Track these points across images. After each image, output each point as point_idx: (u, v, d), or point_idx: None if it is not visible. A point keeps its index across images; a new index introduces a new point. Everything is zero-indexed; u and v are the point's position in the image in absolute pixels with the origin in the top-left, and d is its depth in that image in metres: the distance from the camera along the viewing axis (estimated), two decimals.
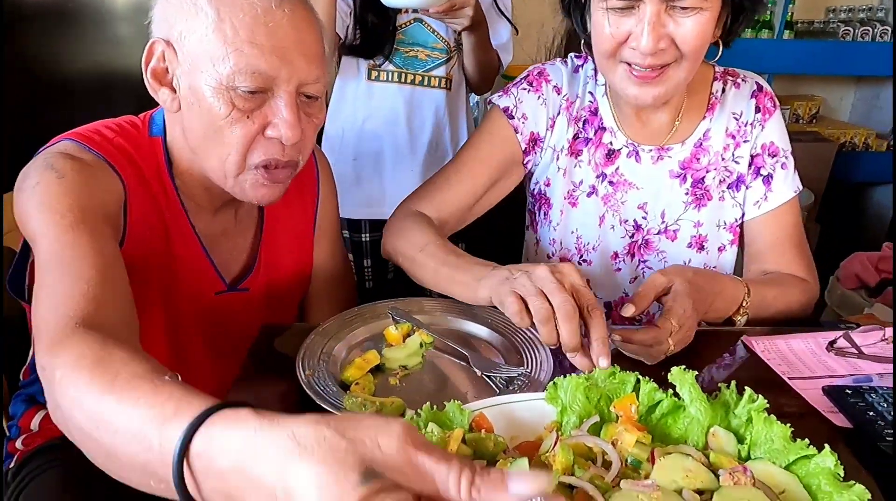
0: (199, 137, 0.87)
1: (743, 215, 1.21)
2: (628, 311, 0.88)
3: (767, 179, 1.17)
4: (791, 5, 3.30)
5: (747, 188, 1.19)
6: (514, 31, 1.76)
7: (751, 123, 1.17)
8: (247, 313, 1.08)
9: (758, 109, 1.17)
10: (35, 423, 1.09)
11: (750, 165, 1.18)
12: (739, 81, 1.19)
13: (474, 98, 2.07)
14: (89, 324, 0.66)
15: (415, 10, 1.61)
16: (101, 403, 0.55)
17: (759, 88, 1.19)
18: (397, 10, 1.60)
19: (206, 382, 1.03)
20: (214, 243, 1.02)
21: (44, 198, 0.80)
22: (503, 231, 1.71)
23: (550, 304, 0.79)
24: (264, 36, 0.82)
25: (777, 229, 1.19)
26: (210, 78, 0.82)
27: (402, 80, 1.67)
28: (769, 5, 3.35)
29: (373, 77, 1.67)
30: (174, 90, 0.88)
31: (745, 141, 1.18)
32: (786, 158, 1.18)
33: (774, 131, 1.18)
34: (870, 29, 3.34)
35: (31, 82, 2.25)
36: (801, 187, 1.20)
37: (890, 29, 3.32)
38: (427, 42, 1.66)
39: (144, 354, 0.62)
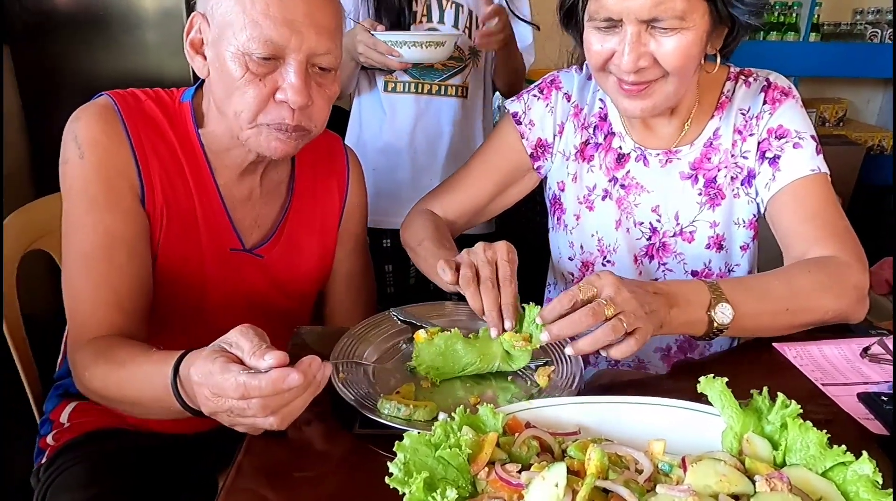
0: (221, 97, 0.97)
1: (758, 208, 1.18)
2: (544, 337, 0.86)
3: (774, 161, 1.12)
4: (817, 7, 3.27)
5: (756, 177, 1.15)
6: (536, 29, 1.75)
7: (757, 116, 1.14)
8: (262, 280, 1.13)
9: (765, 102, 1.15)
10: (65, 416, 1.12)
11: (756, 153, 1.15)
12: (751, 80, 1.17)
13: (496, 102, 2.07)
14: (107, 327, 0.95)
15: (429, 20, 1.63)
16: (120, 377, 0.87)
17: (769, 83, 1.16)
18: (412, 20, 1.62)
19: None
20: (237, 205, 1.09)
21: (72, 182, 0.97)
22: (526, 234, 1.71)
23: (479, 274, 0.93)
24: (277, 8, 0.91)
25: (795, 208, 1.10)
26: (231, 45, 0.92)
27: (419, 90, 1.68)
28: (794, 7, 3.32)
29: (389, 89, 1.68)
30: (205, 58, 0.98)
31: (750, 135, 1.15)
32: (800, 138, 1.12)
33: (783, 116, 1.13)
34: None
35: (60, 88, 2.30)
36: (822, 170, 1.10)
37: None
38: None
39: (133, 341, 0.93)
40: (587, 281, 0.87)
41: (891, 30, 3.29)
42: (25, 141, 2.41)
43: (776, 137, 1.13)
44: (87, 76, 2.32)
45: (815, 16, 3.29)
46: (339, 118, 1.84)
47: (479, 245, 0.95)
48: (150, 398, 0.84)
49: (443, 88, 1.68)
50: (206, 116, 1.05)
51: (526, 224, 1.73)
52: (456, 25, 1.65)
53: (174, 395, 0.79)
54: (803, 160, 1.10)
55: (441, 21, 1.64)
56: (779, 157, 1.12)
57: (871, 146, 3.40)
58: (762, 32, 3.30)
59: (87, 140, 0.96)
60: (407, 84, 1.67)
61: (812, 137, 1.13)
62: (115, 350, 0.90)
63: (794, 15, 3.32)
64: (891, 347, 0.95)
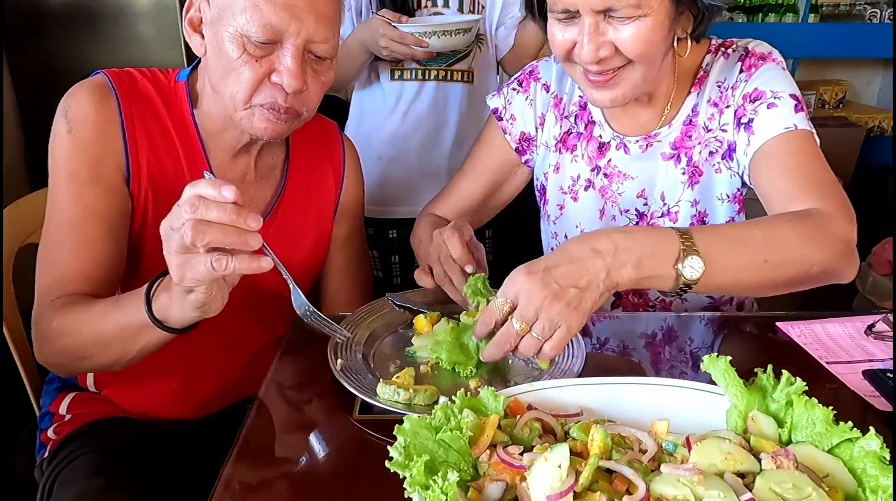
0: (217, 76, 0.98)
1: (741, 179, 1.13)
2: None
3: (748, 125, 1.06)
4: None
5: (737, 148, 1.10)
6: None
7: (733, 86, 1.10)
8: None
9: (741, 70, 1.09)
10: (64, 408, 1.12)
11: (734, 123, 1.10)
12: (730, 51, 1.13)
13: None
14: (74, 292, 0.95)
15: (434, 4, 1.62)
16: (89, 316, 0.90)
17: (747, 52, 1.11)
18: (417, 6, 1.61)
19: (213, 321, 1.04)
20: None
21: (57, 155, 0.98)
22: (526, 222, 1.70)
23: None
24: None
25: (770, 166, 1.03)
26: (230, 27, 0.93)
27: (426, 76, 1.67)
28: None
29: (396, 77, 1.67)
30: (203, 37, 1.00)
31: (727, 106, 1.10)
32: (776, 98, 1.05)
33: (758, 79, 1.07)
34: None
35: (55, 83, 2.29)
36: (799, 126, 1.02)
37: None
38: None
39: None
40: (501, 293, 0.82)
41: (890, 9, 3.27)
42: (20, 136, 2.40)
43: (750, 101, 1.08)
44: (82, 71, 2.29)
45: None
46: (338, 108, 1.82)
47: (436, 234, 1.03)
48: (118, 327, 0.88)
49: (449, 73, 1.67)
50: (200, 96, 1.05)
51: (520, 214, 1.72)
52: (461, 8, 1.63)
53: (144, 302, 0.83)
54: (777, 119, 1.04)
55: (446, 5, 1.62)
56: (752, 120, 1.06)
57: (871, 128, 3.38)
58: (760, 14, 3.27)
59: (77, 116, 0.97)
60: (413, 71, 1.66)
61: (791, 95, 1.05)
62: (80, 299, 0.93)
63: None
64: None
